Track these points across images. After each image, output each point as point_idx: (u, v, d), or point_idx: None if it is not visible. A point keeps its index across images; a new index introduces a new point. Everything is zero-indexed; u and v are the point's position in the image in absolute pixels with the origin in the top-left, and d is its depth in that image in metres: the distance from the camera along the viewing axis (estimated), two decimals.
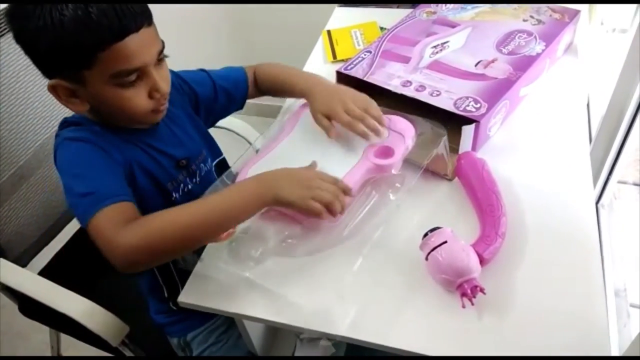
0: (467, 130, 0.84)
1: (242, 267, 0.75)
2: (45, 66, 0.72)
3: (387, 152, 0.81)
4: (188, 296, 0.75)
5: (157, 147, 0.83)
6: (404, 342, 0.67)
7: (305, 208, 0.72)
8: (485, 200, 0.79)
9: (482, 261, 0.71)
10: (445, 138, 0.81)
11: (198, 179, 0.90)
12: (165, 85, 0.75)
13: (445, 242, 0.70)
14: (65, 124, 0.79)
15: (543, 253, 0.75)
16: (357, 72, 0.97)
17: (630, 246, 1.35)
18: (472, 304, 0.67)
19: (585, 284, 0.71)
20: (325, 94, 0.86)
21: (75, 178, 0.72)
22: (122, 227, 0.67)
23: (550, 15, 1.05)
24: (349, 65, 0.99)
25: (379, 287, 0.73)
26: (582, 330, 0.67)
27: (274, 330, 0.97)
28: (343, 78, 0.98)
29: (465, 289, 0.67)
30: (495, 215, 0.77)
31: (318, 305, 0.71)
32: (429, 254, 0.71)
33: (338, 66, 1.05)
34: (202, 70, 0.97)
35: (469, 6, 1.09)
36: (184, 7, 1.71)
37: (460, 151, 0.85)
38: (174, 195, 0.86)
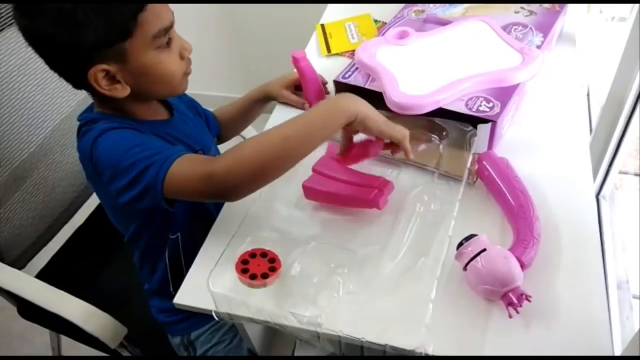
0: (483, 130, 0.82)
1: (304, 309, 0.68)
2: (88, 49, 0.69)
3: None
4: (184, 298, 0.74)
5: (178, 136, 0.85)
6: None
7: (389, 132, 0.73)
8: (515, 202, 0.76)
9: (522, 266, 0.68)
10: (476, 138, 0.80)
11: None
12: (188, 43, 0.79)
13: (485, 250, 0.67)
14: (93, 121, 0.79)
15: (543, 248, 0.74)
16: (356, 80, 0.93)
17: (633, 237, 1.34)
18: (518, 313, 0.65)
19: (585, 278, 0.71)
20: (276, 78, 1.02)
21: (136, 148, 0.73)
22: (210, 162, 0.70)
23: (541, 6, 1.03)
24: (346, 73, 0.95)
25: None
26: (582, 324, 0.66)
27: (274, 330, 0.96)
28: (342, 87, 0.93)
29: (511, 299, 0.65)
30: (528, 217, 0.74)
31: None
32: (467, 264, 0.68)
33: (332, 60, 1.04)
34: None
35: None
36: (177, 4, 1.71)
37: (475, 152, 0.82)
38: None
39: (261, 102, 1.06)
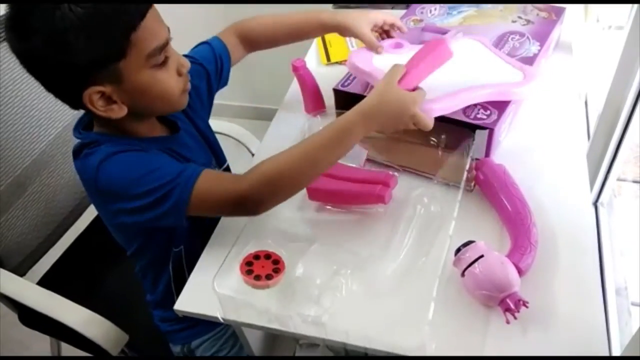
0: (480, 137, 0.83)
1: (307, 309, 0.70)
2: (81, 71, 0.68)
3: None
4: (184, 304, 0.75)
5: (181, 153, 0.84)
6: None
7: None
8: (512, 208, 0.77)
9: (519, 272, 0.68)
10: (473, 144, 0.81)
11: None
12: (185, 59, 0.78)
13: (482, 256, 0.68)
14: (96, 142, 0.76)
15: (540, 254, 0.74)
16: (355, 88, 0.93)
17: (631, 244, 1.34)
18: (516, 318, 0.65)
19: (582, 284, 0.71)
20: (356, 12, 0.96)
21: (153, 172, 0.73)
22: (236, 182, 0.73)
23: (538, 14, 1.04)
24: (345, 81, 0.95)
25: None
26: (579, 329, 0.67)
27: (273, 336, 0.97)
28: (342, 95, 0.94)
29: (508, 305, 0.65)
30: (525, 223, 0.74)
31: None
32: (465, 270, 0.68)
33: (332, 68, 1.04)
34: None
35: (454, 11, 1.08)
36: (177, 8, 1.71)
37: (472, 157, 0.83)
38: None
39: (326, 30, 0.99)
